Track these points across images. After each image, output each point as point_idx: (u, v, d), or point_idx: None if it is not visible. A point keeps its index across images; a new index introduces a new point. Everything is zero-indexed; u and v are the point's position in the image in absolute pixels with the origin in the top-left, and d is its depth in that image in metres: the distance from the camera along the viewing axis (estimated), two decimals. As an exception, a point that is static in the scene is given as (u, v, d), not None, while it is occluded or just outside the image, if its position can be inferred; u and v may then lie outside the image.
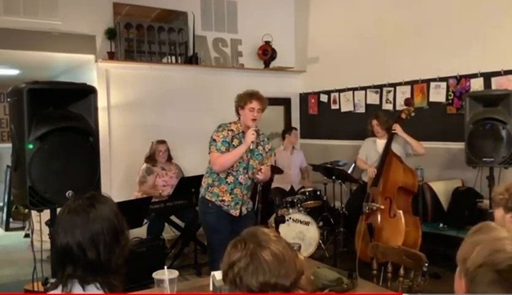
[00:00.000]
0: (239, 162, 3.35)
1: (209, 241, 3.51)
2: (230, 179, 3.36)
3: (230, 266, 1.21)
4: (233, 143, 3.35)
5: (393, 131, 4.55)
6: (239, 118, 3.42)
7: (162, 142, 5.17)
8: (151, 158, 5.11)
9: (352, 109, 6.22)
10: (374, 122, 4.88)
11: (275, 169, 5.51)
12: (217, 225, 3.32)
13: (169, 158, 5.22)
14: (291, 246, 1.29)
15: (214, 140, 3.35)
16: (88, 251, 1.40)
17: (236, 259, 1.20)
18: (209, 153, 3.39)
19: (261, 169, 3.32)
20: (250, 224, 3.35)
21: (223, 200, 3.36)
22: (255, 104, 3.32)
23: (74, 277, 1.40)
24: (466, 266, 1.15)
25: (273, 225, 3.34)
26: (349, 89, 6.25)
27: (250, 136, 3.26)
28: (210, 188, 3.40)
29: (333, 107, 6.50)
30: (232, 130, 3.38)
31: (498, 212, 2.16)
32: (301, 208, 4.85)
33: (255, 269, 1.18)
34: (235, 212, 3.38)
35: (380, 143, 4.81)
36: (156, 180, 5.06)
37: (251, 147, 3.35)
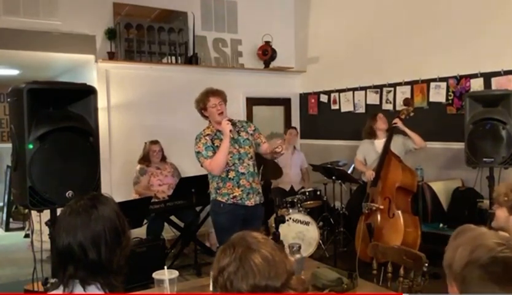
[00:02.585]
0: (231, 156, 3.39)
1: (220, 241, 3.54)
2: (232, 174, 3.40)
3: (220, 271, 1.21)
4: (215, 144, 3.40)
5: (394, 124, 4.55)
6: (209, 120, 3.52)
7: (156, 142, 5.19)
8: (145, 159, 5.14)
9: (352, 109, 6.22)
10: (380, 115, 4.87)
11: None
12: (228, 225, 3.35)
13: (163, 158, 5.24)
14: (280, 247, 1.30)
15: (198, 152, 3.43)
16: (90, 252, 1.40)
17: (225, 264, 1.21)
18: (202, 165, 3.45)
19: (272, 152, 3.39)
20: (258, 225, 3.40)
21: (234, 196, 3.40)
22: (213, 100, 3.43)
23: (75, 277, 1.40)
24: (453, 271, 1.15)
25: (273, 225, 3.34)
26: (349, 89, 6.25)
27: (226, 126, 3.32)
28: (218, 191, 3.45)
29: (333, 107, 6.50)
30: (208, 134, 3.46)
31: (501, 213, 2.17)
32: (301, 208, 4.85)
33: (244, 273, 1.18)
34: (250, 202, 3.43)
35: (379, 143, 4.81)
36: (151, 180, 5.07)
37: (234, 137, 3.42)
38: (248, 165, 3.45)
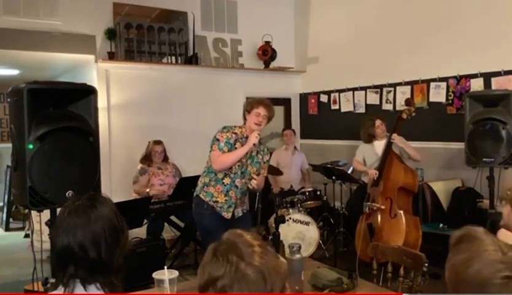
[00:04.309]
0: (238, 165, 3.36)
1: (204, 243, 3.52)
2: (227, 180, 3.38)
3: (212, 281, 1.15)
4: (235, 146, 3.37)
5: (392, 141, 4.53)
6: (245, 122, 3.47)
7: (159, 142, 5.18)
8: (146, 159, 5.14)
9: (352, 109, 6.22)
10: (379, 122, 4.85)
11: (275, 171, 5.51)
12: (212, 226, 3.33)
13: (165, 158, 5.24)
14: (272, 250, 1.24)
15: (218, 139, 3.38)
16: (90, 251, 1.40)
17: (219, 275, 1.14)
18: (210, 151, 3.41)
19: (253, 177, 3.36)
20: (245, 227, 3.37)
21: (216, 201, 3.38)
22: (261, 110, 3.38)
23: (76, 277, 1.40)
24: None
25: (273, 225, 3.34)
26: (349, 89, 6.25)
27: (253, 138, 3.30)
28: (205, 187, 3.42)
29: (333, 107, 6.50)
30: (236, 133, 3.41)
31: (505, 210, 2.18)
32: (301, 208, 4.84)
33: (239, 287, 1.13)
34: (227, 215, 3.40)
35: (378, 144, 4.82)
36: (152, 180, 5.07)
37: (252, 153, 3.40)
38: (246, 183, 3.43)
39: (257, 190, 3.46)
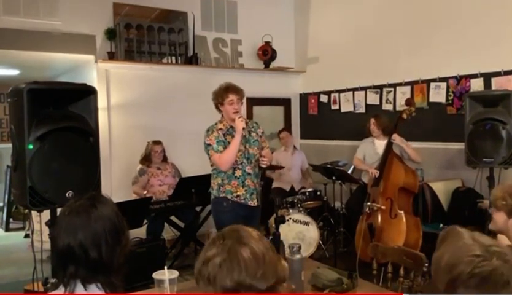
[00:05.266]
0: (240, 155, 3.39)
1: None
2: (238, 172, 3.41)
3: (204, 263, 1.12)
4: (227, 140, 3.40)
5: (392, 141, 4.54)
6: (222, 115, 3.49)
7: (158, 142, 5.19)
8: (146, 159, 5.14)
9: (352, 109, 6.22)
10: (372, 121, 4.92)
11: (275, 166, 5.51)
12: (229, 223, 3.33)
13: (165, 159, 5.24)
14: (274, 249, 1.21)
15: (209, 144, 3.40)
16: (90, 251, 1.40)
17: (211, 255, 1.11)
18: (210, 158, 3.43)
19: (262, 156, 3.40)
20: (255, 225, 3.39)
21: (238, 195, 3.40)
22: (232, 96, 3.41)
23: (76, 277, 1.40)
24: (439, 276, 1.19)
25: (273, 225, 3.34)
26: (349, 89, 6.25)
27: (239, 123, 3.32)
28: (221, 188, 3.43)
29: (333, 107, 6.50)
30: (221, 129, 3.44)
31: (500, 217, 2.15)
32: (301, 208, 4.84)
33: (230, 266, 1.09)
34: (253, 203, 3.44)
35: (379, 144, 4.83)
36: (151, 180, 5.07)
37: (246, 136, 3.44)
38: (255, 166, 3.46)
39: (268, 163, 3.47)
